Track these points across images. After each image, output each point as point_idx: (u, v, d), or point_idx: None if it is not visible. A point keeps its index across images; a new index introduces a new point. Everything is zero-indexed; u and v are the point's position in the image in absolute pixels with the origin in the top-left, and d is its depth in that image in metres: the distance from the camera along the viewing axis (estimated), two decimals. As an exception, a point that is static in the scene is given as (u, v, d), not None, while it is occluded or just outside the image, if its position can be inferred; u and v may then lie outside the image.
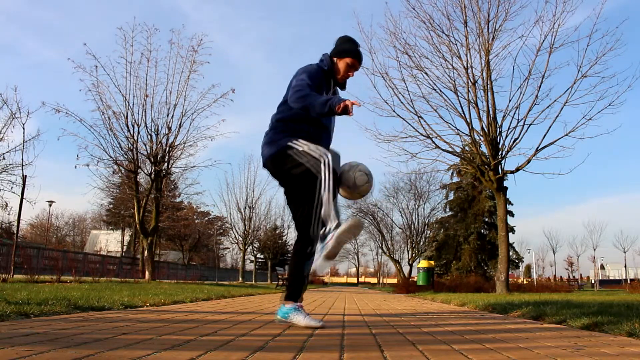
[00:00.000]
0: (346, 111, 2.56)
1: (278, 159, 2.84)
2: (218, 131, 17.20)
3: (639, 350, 2.03)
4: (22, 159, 12.10)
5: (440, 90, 12.32)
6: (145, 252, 16.49)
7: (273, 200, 41.49)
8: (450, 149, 12.47)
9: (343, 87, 3.11)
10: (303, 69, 2.89)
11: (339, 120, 3.07)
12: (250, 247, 36.14)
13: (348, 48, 2.98)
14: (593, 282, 43.69)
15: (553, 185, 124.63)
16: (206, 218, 42.37)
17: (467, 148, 13.38)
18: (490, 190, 23.03)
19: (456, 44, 12.27)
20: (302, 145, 2.77)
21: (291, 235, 41.26)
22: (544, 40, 11.57)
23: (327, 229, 2.64)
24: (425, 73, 12.31)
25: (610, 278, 53.69)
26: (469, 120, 12.20)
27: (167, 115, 15.57)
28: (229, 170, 39.99)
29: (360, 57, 3.01)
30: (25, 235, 43.26)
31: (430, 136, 12.33)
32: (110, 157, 15.24)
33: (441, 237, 30.62)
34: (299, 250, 2.85)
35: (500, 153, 12.06)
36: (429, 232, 31.87)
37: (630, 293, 12.99)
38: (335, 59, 2.99)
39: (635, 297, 9.06)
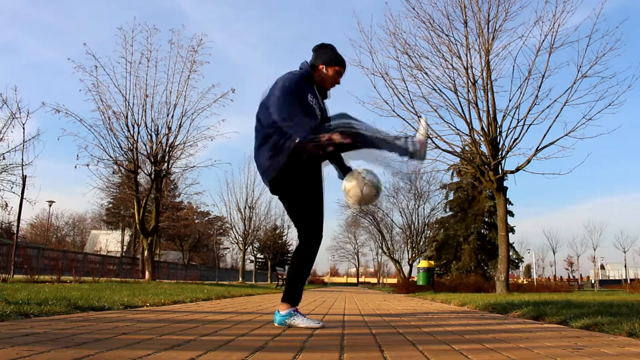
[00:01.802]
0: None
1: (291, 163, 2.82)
2: (218, 131, 17.14)
3: (639, 350, 2.03)
4: (22, 159, 12.08)
5: (440, 90, 12.34)
6: (145, 252, 16.48)
7: (273, 200, 41.41)
8: (450, 149, 12.47)
9: (325, 96, 3.13)
10: (283, 81, 2.85)
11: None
12: (250, 247, 36.13)
13: (336, 56, 3.07)
14: (593, 282, 43.69)
15: (553, 185, 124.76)
16: (206, 218, 42.37)
17: (467, 148, 13.38)
18: (490, 190, 23.03)
19: (456, 44, 12.29)
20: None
21: (291, 235, 41.30)
22: (544, 40, 11.58)
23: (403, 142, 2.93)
24: (425, 73, 12.32)
25: (610, 278, 53.68)
26: (469, 120, 12.21)
27: (167, 115, 15.57)
28: (229, 170, 40.02)
29: (346, 65, 3.12)
30: (25, 235, 43.28)
31: (430, 136, 12.33)
32: (110, 157, 15.24)
33: (441, 237, 30.63)
34: (301, 251, 2.89)
35: (500, 153, 12.06)
36: (429, 232, 31.85)
37: (630, 293, 12.99)
38: (322, 67, 3.03)
39: (635, 297, 9.06)
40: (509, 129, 12.04)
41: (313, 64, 3.04)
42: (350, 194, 2.92)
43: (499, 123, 12.14)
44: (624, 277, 45.85)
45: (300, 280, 2.90)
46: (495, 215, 22.09)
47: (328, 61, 3.04)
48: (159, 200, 16.25)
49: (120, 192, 29.46)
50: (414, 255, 30.72)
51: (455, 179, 30.02)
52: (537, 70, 11.69)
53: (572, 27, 12.45)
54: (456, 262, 29.02)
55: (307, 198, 2.88)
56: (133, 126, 15.16)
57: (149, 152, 15.46)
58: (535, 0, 13.80)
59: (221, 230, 41.67)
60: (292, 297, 2.86)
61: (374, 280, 67.73)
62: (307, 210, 2.88)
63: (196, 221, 40.58)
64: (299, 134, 2.70)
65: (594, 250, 48.71)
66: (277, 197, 3.02)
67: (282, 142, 2.81)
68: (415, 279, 20.05)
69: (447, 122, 12.37)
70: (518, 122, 11.86)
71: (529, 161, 11.80)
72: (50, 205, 36.07)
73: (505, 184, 12.27)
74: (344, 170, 3.10)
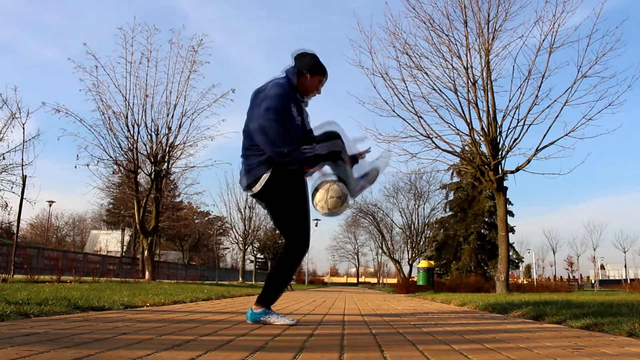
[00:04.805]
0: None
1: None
2: (218, 131, 17.27)
3: (639, 350, 2.03)
4: (22, 159, 12.08)
5: (440, 90, 12.33)
6: (145, 252, 16.49)
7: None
8: (450, 149, 12.48)
9: (306, 104, 3.17)
10: (273, 93, 2.84)
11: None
12: (250, 247, 36.15)
13: (321, 65, 3.09)
14: (593, 282, 43.71)
15: (553, 185, 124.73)
16: (206, 218, 42.34)
17: (467, 148, 13.37)
18: (490, 190, 23.03)
19: (456, 44, 12.28)
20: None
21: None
22: (544, 40, 11.57)
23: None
24: (425, 73, 12.32)
25: (610, 278, 53.66)
26: (469, 120, 12.21)
27: (167, 115, 15.59)
28: (229, 170, 39.98)
29: (327, 75, 3.16)
30: (25, 235, 43.21)
31: (430, 136, 12.34)
32: (110, 157, 15.26)
33: (441, 237, 30.61)
34: (287, 258, 2.93)
35: (500, 153, 12.06)
36: (429, 232, 31.86)
37: (630, 293, 12.99)
38: (306, 74, 3.04)
39: (635, 297, 9.06)
40: (509, 129, 12.05)
41: (298, 71, 3.04)
42: (319, 205, 3.01)
43: (499, 123, 12.14)
44: (624, 277, 45.83)
45: (281, 286, 2.97)
46: (495, 215, 22.08)
47: (312, 69, 3.06)
48: (159, 200, 16.25)
49: (120, 192, 29.44)
50: (414, 255, 30.72)
51: (455, 179, 30.02)
52: (537, 70, 11.69)
53: (572, 27, 12.40)
54: (456, 262, 29.00)
55: (293, 208, 2.91)
56: (133, 126, 15.19)
57: (149, 152, 15.47)
58: (535, 0, 13.71)
59: (221, 230, 41.67)
60: (268, 300, 2.92)
61: (374, 280, 67.72)
62: (293, 219, 2.92)
63: (196, 221, 40.55)
64: (277, 154, 2.77)
65: (594, 250, 48.75)
66: (260, 201, 3.03)
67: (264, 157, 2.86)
68: (415, 279, 20.05)
69: (447, 122, 12.38)
70: (518, 122, 11.87)
71: (529, 161, 11.81)
72: (50, 205, 36.12)
73: (505, 184, 12.27)
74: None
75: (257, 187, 2.87)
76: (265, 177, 2.84)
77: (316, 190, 3.01)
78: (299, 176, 2.94)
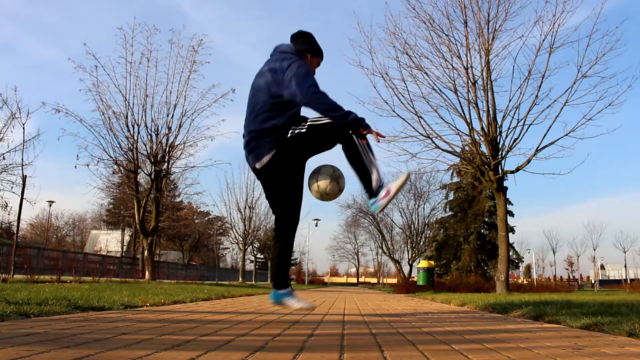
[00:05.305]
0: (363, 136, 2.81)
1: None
2: (218, 131, 17.33)
3: (638, 350, 2.03)
4: (22, 159, 12.09)
5: (440, 90, 12.34)
6: (145, 252, 16.48)
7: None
8: (450, 149, 12.48)
9: None
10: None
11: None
12: (250, 247, 36.12)
13: (320, 47, 3.11)
14: (593, 282, 43.75)
15: (553, 185, 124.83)
16: (206, 218, 42.36)
17: (467, 148, 13.37)
18: (490, 190, 23.03)
19: (456, 44, 12.29)
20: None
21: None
22: (544, 40, 11.58)
23: (380, 183, 2.88)
24: (425, 73, 12.33)
25: (610, 278, 53.72)
26: (469, 120, 12.22)
27: (167, 115, 15.58)
28: (229, 170, 40.04)
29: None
30: (25, 235, 43.23)
31: (430, 136, 12.35)
32: (110, 157, 15.26)
33: (441, 237, 30.63)
34: (285, 234, 3.09)
35: (500, 153, 12.06)
36: (429, 232, 31.87)
37: (630, 293, 12.99)
38: (308, 56, 3.05)
39: (635, 297, 9.06)
40: (509, 129, 12.06)
41: (299, 50, 3.03)
42: (320, 191, 3.03)
43: (499, 123, 12.15)
44: (624, 277, 45.88)
45: (288, 262, 3.12)
46: (495, 215, 22.08)
47: (313, 51, 3.07)
48: (159, 200, 16.25)
49: (120, 192, 29.42)
50: (414, 255, 30.73)
51: (455, 179, 30.05)
52: (537, 70, 11.70)
53: (572, 27, 12.42)
54: (456, 262, 29.02)
55: (296, 185, 3.03)
56: (133, 126, 15.19)
57: (149, 152, 15.47)
58: (535, 0, 13.71)
59: (221, 230, 41.67)
60: (284, 281, 3.06)
61: (374, 280, 67.75)
62: (294, 196, 3.04)
63: (196, 221, 40.58)
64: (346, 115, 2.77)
65: (594, 250, 48.84)
66: (259, 179, 3.10)
67: (286, 130, 2.89)
68: (415, 279, 20.05)
69: (447, 122, 12.40)
70: (518, 122, 11.88)
71: (529, 161, 11.81)
72: (50, 205, 36.17)
73: (505, 184, 12.28)
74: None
75: (263, 163, 2.95)
76: (269, 156, 2.91)
77: (317, 175, 3.05)
78: (299, 158, 3.03)
